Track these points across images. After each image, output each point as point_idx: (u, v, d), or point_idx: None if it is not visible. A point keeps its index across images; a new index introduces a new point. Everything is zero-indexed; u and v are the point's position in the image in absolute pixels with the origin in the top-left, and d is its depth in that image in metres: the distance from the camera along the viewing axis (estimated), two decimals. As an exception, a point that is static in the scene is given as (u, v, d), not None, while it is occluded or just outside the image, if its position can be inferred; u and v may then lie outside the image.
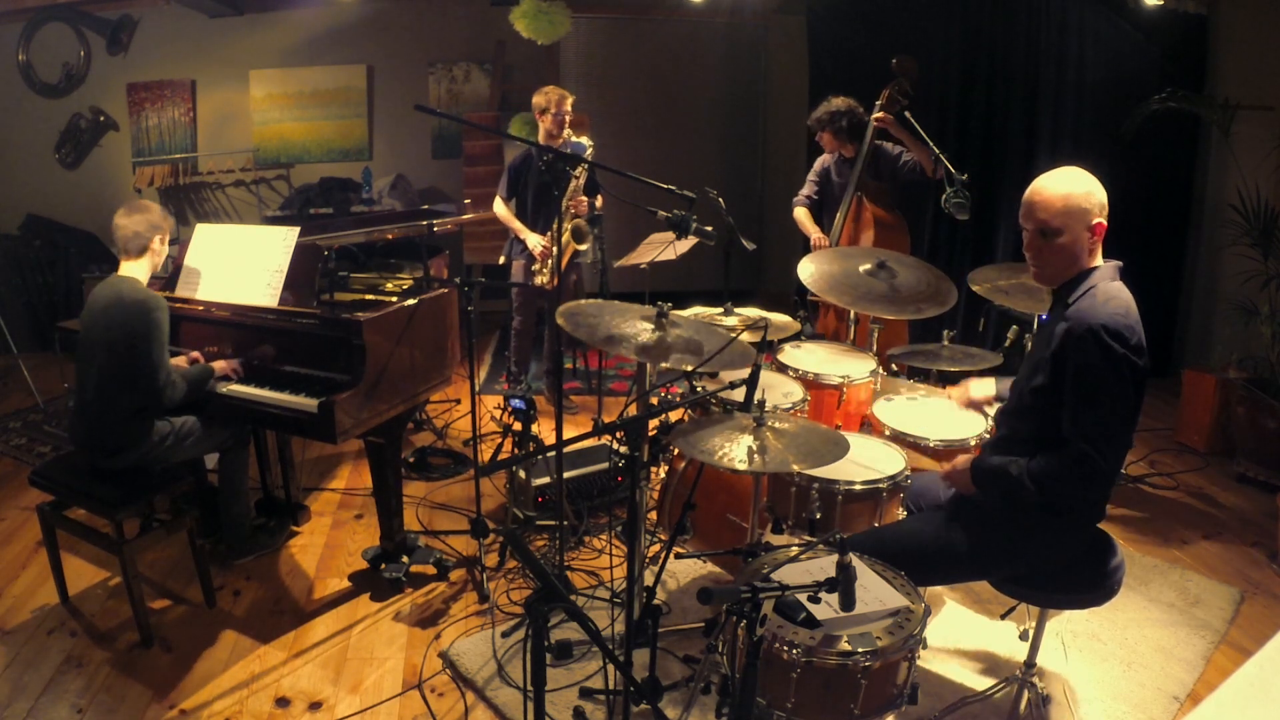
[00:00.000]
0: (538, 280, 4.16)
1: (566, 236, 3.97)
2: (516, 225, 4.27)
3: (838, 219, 3.97)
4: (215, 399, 2.83)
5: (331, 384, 2.73)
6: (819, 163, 4.16)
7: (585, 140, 4.08)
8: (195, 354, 2.95)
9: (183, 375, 2.70)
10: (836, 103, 3.92)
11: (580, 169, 3.88)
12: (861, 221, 3.92)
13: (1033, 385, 2.01)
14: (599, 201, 4.19)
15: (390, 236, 3.37)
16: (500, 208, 4.30)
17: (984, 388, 2.57)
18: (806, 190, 4.20)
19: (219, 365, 2.86)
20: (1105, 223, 1.95)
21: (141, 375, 2.61)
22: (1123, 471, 4.02)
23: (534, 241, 4.18)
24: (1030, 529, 2.03)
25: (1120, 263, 2.01)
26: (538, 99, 4.17)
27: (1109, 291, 1.92)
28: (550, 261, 4.12)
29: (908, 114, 3.70)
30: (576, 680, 2.49)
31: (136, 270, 2.74)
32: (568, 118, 4.13)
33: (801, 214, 4.17)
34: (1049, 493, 1.93)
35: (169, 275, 3.16)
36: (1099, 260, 2.00)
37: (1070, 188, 1.94)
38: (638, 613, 2.00)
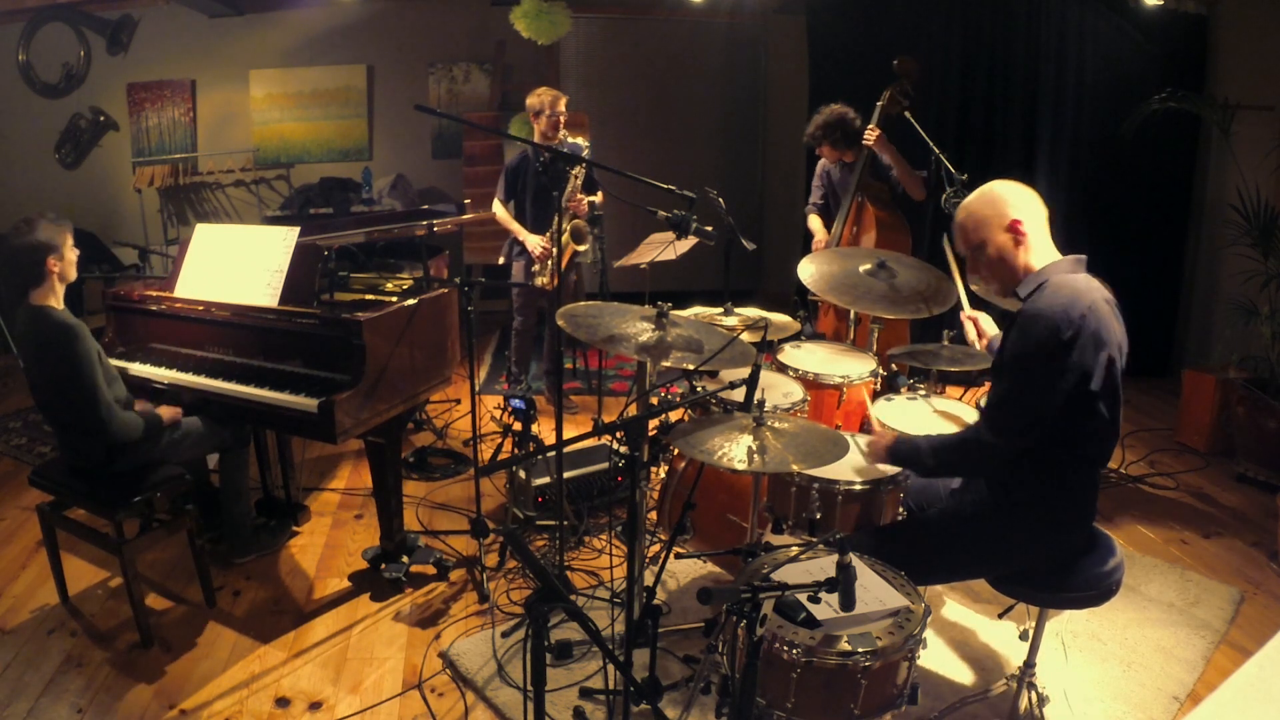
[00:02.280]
0: (538, 281, 4.16)
1: (566, 237, 3.97)
2: (515, 227, 4.27)
3: (837, 221, 3.97)
4: (215, 399, 2.83)
5: (331, 384, 2.73)
6: (820, 166, 4.16)
7: (581, 141, 4.07)
8: (173, 412, 2.82)
9: (133, 416, 2.61)
10: (828, 113, 3.89)
11: (578, 169, 3.88)
12: (863, 223, 3.91)
13: (995, 372, 2.07)
14: (599, 198, 4.19)
15: (390, 236, 3.37)
16: (499, 210, 4.31)
17: (991, 327, 2.55)
18: (813, 196, 4.22)
19: (165, 412, 2.75)
20: (1023, 219, 1.97)
21: (79, 407, 2.50)
22: (1123, 471, 4.02)
23: (533, 243, 4.19)
24: (1027, 527, 2.03)
25: (1082, 256, 2.00)
26: (531, 100, 4.14)
27: (1063, 283, 1.93)
28: (550, 262, 4.12)
29: (908, 115, 3.70)
30: (576, 680, 2.49)
31: (44, 296, 2.54)
32: (562, 118, 4.12)
33: (814, 222, 4.20)
34: (944, 465, 2.06)
35: (169, 275, 3.15)
36: (1047, 257, 1.99)
37: (970, 202, 2.03)
38: (638, 613, 2.00)
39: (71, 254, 2.62)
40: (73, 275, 2.63)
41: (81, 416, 2.53)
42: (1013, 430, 1.93)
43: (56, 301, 2.57)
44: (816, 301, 4.07)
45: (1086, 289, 1.92)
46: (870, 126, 3.73)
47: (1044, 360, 1.87)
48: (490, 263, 5.51)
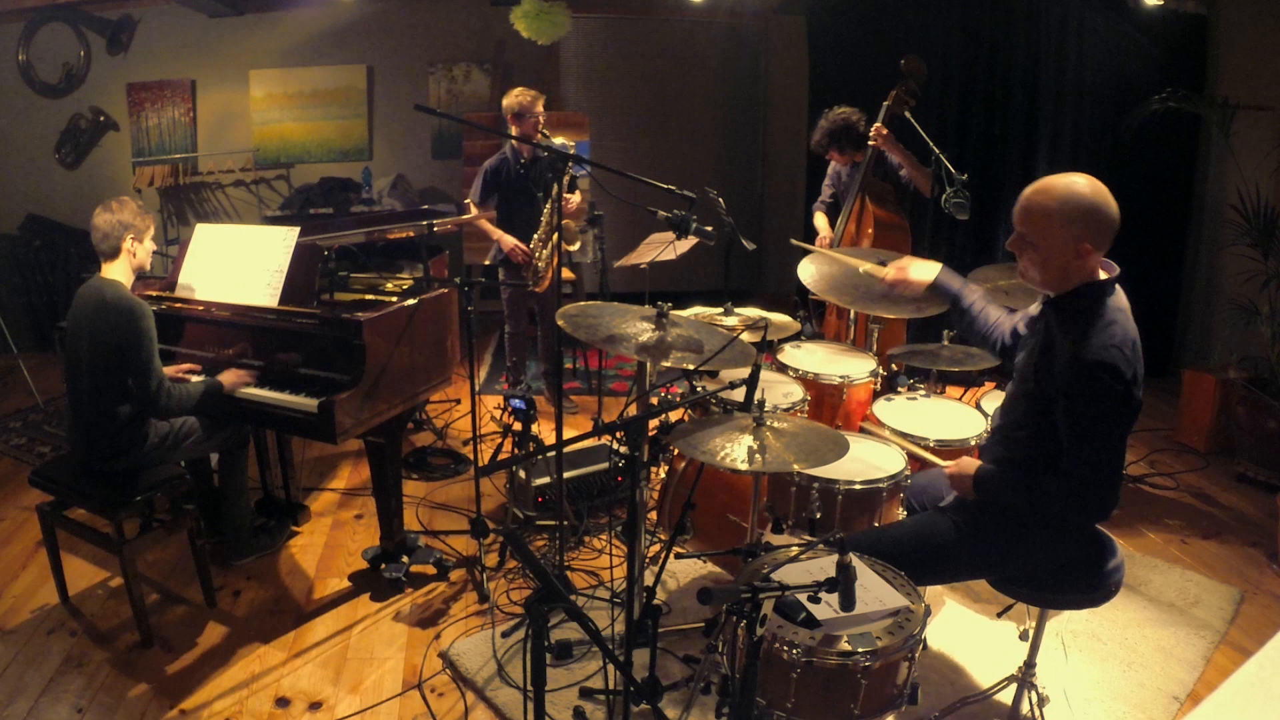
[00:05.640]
0: (532, 285, 4.14)
1: (555, 237, 3.96)
2: (489, 229, 4.21)
3: (840, 219, 3.98)
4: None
5: (331, 384, 2.73)
6: (832, 168, 4.17)
7: (564, 141, 4.04)
8: (191, 365, 2.93)
9: (183, 388, 2.66)
10: (833, 117, 3.89)
11: (569, 168, 3.84)
12: (864, 222, 3.92)
13: (1023, 390, 2.01)
14: (576, 197, 4.16)
15: (390, 236, 3.38)
16: (474, 213, 4.23)
17: (926, 270, 2.38)
18: (824, 195, 4.23)
19: (226, 379, 2.79)
20: (1094, 247, 1.85)
21: (131, 382, 2.58)
22: (1123, 471, 4.01)
23: (510, 243, 4.16)
24: (1028, 530, 2.03)
25: (1118, 269, 1.95)
26: (509, 102, 4.04)
27: (1107, 314, 1.86)
28: (541, 265, 4.11)
29: (909, 115, 3.70)
30: (576, 680, 2.49)
31: (116, 272, 2.66)
32: (542, 119, 4.07)
33: (819, 220, 4.21)
34: (1047, 513, 1.96)
35: (169, 275, 3.15)
36: (1095, 275, 1.91)
37: (1051, 202, 1.85)
38: (638, 613, 2.00)
39: (150, 244, 2.74)
40: (147, 265, 2.76)
41: (130, 384, 2.58)
42: (1115, 484, 1.89)
43: (126, 281, 2.67)
44: (822, 302, 4.07)
45: (1127, 311, 1.88)
46: (876, 125, 3.72)
47: (1119, 410, 1.83)
48: (486, 263, 5.50)
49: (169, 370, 2.82)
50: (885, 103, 3.73)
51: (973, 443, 2.64)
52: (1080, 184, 1.86)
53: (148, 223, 2.72)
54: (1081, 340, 1.84)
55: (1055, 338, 1.93)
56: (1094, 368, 1.80)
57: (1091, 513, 1.94)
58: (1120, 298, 1.93)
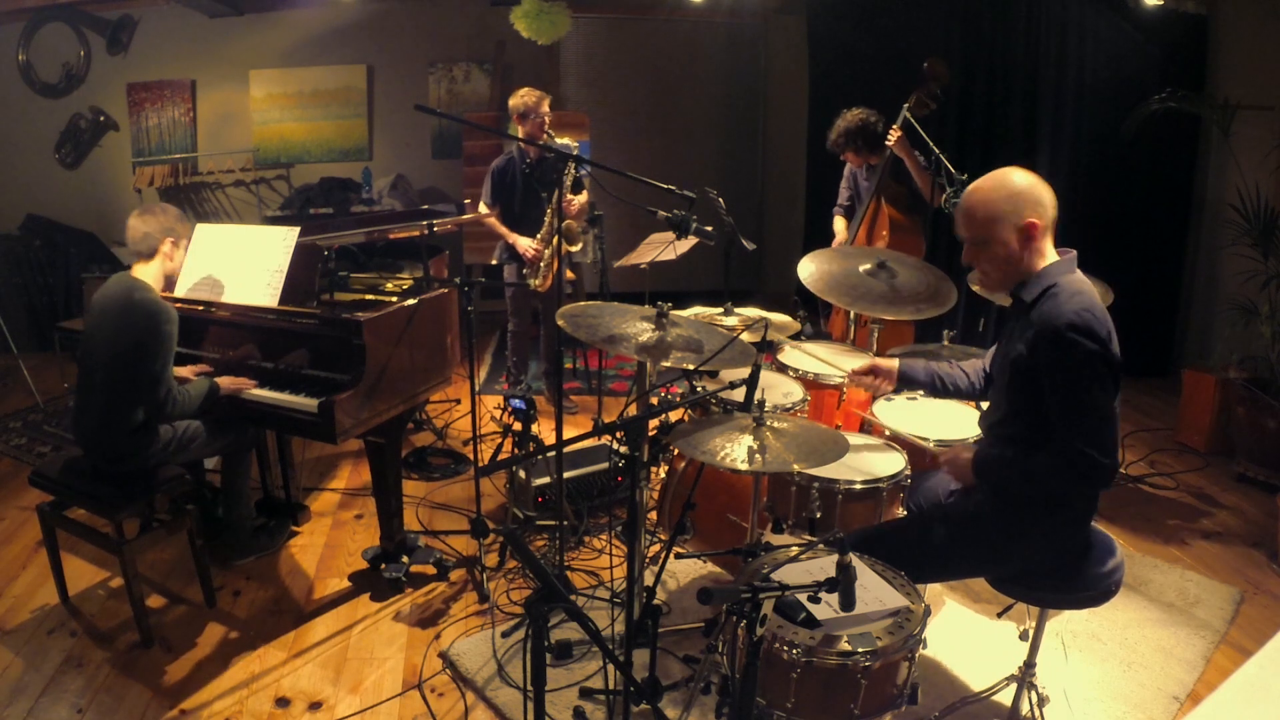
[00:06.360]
0: (532, 283, 4.16)
1: (557, 238, 3.96)
2: (503, 230, 4.25)
3: (854, 222, 4.00)
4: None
5: (331, 384, 2.73)
6: (848, 169, 4.18)
7: (569, 141, 4.05)
8: (203, 365, 2.94)
9: (186, 391, 2.66)
10: (850, 118, 3.89)
11: (569, 169, 3.86)
12: (878, 224, 3.92)
13: (1006, 382, 2.03)
14: (584, 197, 4.19)
15: (390, 236, 3.38)
16: (485, 213, 4.24)
17: (891, 361, 2.44)
18: (841, 198, 4.25)
19: (223, 381, 2.78)
20: (1039, 221, 1.90)
21: (142, 386, 2.58)
22: (1123, 471, 4.02)
23: (524, 245, 4.17)
24: (1027, 527, 2.02)
25: (1074, 251, 1.98)
26: (515, 103, 4.08)
27: (1070, 286, 1.90)
28: (541, 264, 4.12)
29: (909, 115, 3.69)
30: (576, 680, 2.49)
31: (147, 274, 2.67)
32: (547, 119, 4.10)
33: (838, 224, 4.23)
34: (1050, 491, 1.95)
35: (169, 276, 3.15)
36: (1049, 257, 1.96)
37: (987, 195, 1.93)
38: (638, 613, 2.00)
39: (183, 253, 2.79)
40: (177, 272, 2.81)
41: (140, 388, 2.57)
42: (1111, 449, 1.87)
43: (155, 284, 2.68)
44: (828, 302, 4.08)
45: (1090, 286, 1.92)
46: (893, 128, 3.72)
47: (1100, 370, 1.83)
48: (490, 262, 5.51)
49: (184, 371, 2.82)
50: (905, 105, 3.71)
51: (972, 442, 2.64)
52: (1009, 170, 1.95)
53: (187, 230, 2.77)
54: (1050, 313, 1.87)
55: (1025, 322, 1.96)
56: (1067, 331, 1.82)
57: (1091, 482, 1.92)
58: (1080, 276, 1.95)
